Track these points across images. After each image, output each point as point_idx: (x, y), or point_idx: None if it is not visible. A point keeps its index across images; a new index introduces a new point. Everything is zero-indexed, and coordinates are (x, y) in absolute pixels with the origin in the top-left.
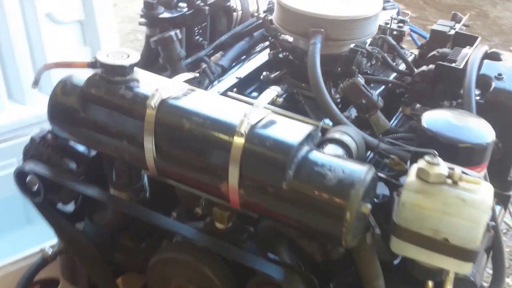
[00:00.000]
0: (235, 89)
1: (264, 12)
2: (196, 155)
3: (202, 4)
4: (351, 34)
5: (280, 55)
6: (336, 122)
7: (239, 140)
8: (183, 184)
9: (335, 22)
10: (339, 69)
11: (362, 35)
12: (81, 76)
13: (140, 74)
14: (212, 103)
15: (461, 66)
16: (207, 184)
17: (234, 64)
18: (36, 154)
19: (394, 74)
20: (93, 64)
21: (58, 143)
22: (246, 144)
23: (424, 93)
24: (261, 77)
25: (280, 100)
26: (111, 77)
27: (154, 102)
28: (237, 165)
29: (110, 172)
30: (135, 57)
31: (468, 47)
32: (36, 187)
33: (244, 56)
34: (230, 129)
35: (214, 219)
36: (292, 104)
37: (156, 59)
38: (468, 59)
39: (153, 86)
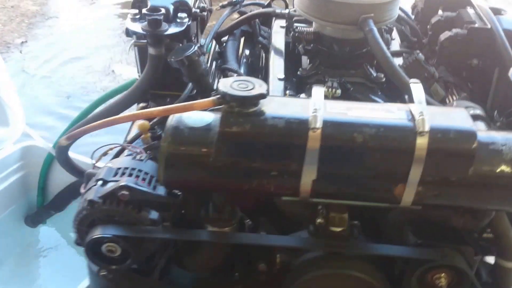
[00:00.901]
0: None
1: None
2: (369, 166)
3: (200, 11)
4: (386, 16)
5: (307, 47)
6: None
7: (422, 140)
8: (338, 200)
9: (374, 6)
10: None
11: (393, 15)
12: (196, 117)
13: (268, 100)
14: (371, 110)
15: (489, 26)
16: (377, 190)
17: None
18: (102, 217)
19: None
20: (222, 101)
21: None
22: (430, 142)
23: (454, 56)
24: (299, 73)
25: (339, 91)
26: (246, 109)
27: (317, 124)
28: (421, 164)
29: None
30: (260, 83)
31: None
32: (115, 254)
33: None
34: (409, 131)
35: (330, 224)
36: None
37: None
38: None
39: (299, 108)
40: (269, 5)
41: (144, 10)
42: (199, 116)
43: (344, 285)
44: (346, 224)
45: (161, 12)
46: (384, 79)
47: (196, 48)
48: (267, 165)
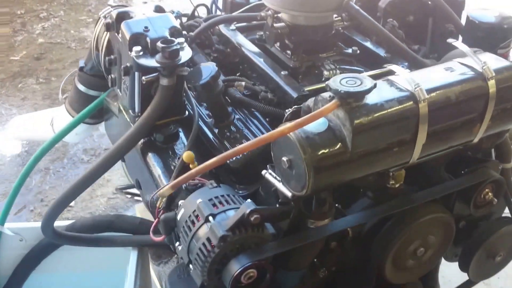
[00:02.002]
0: None
1: None
2: (460, 116)
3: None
4: None
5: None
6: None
7: (491, 82)
8: (432, 154)
9: None
10: None
11: None
12: (313, 125)
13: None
14: (441, 72)
15: None
16: (462, 135)
17: None
18: (232, 249)
19: None
20: (343, 100)
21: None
22: (497, 81)
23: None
24: (292, 65)
25: (338, 72)
26: (361, 102)
27: (424, 95)
28: (493, 102)
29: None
30: (361, 76)
31: None
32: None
33: None
34: (481, 79)
35: (387, 182)
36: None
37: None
38: None
39: (395, 87)
40: (193, 15)
41: (159, 44)
42: (314, 123)
43: (430, 229)
44: (402, 179)
45: (176, 42)
46: (358, 51)
47: (215, 68)
48: (392, 144)
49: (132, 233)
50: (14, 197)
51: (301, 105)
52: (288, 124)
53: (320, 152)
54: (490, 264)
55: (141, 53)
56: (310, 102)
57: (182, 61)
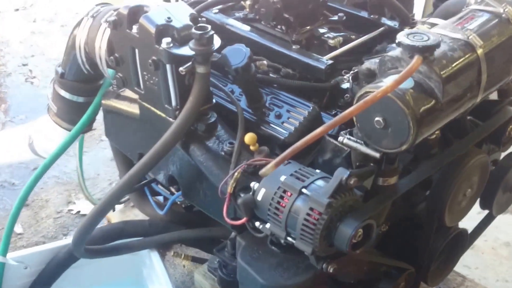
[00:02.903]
0: None
1: None
2: (504, 57)
3: None
4: None
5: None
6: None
7: None
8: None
9: None
10: None
11: None
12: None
13: None
14: (473, 20)
15: None
16: (505, 75)
17: None
18: (337, 214)
19: None
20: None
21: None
22: None
23: None
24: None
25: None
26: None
27: (479, 41)
28: None
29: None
30: (425, 31)
31: None
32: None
33: None
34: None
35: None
36: None
37: None
38: None
39: (452, 40)
40: None
41: (193, 30)
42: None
43: (475, 171)
44: None
45: (210, 28)
46: (344, 17)
47: (247, 49)
48: (467, 88)
49: (144, 236)
50: (12, 225)
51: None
52: (388, 83)
53: (419, 105)
54: (507, 197)
55: (171, 44)
56: (370, 64)
57: (215, 47)
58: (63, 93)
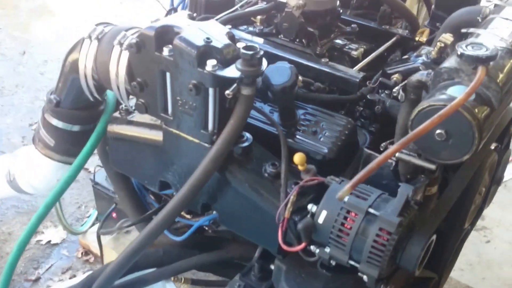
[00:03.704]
0: None
1: None
2: None
3: None
4: None
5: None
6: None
7: None
8: None
9: None
10: None
11: None
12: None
13: None
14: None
15: None
16: None
17: None
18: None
19: None
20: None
21: None
22: None
23: None
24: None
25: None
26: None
27: None
28: None
29: None
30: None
31: None
32: None
33: None
34: None
35: None
36: None
37: None
38: None
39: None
40: None
41: (242, 50)
42: (457, 91)
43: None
44: None
45: (259, 49)
46: (357, 29)
47: (292, 66)
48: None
49: (158, 266)
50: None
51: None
52: (460, 96)
53: (481, 115)
54: (493, 189)
55: (216, 67)
56: (420, 76)
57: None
58: (55, 122)
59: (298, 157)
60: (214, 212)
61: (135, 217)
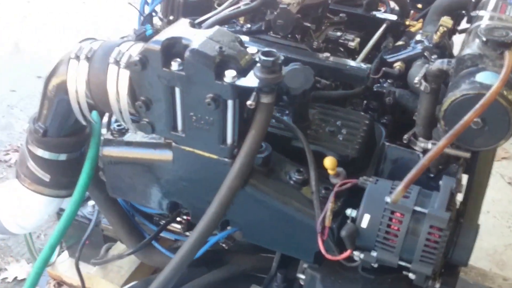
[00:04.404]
0: None
1: None
2: None
3: None
4: None
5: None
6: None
7: None
8: None
9: None
10: None
11: None
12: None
13: None
14: None
15: None
16: None
17: None
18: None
19: None
20: None
21: None
22: None
23: None
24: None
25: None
26: None
27: None
28: None
29: None
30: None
31: None
32: None
33: None
34: None
35: None
36: None
37: None
38: None
39: None
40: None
41: (261, 56)
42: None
43: None
44: None
45: (278, 55)
46: (346, 18)
47: (309, 68)
48: None
49: None
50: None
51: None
52: (497, 84)
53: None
54: None
55: (235, 77)
56: (441, 65)
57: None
58: (41, 153)
59: (329, 162)
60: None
61: (132, 244)
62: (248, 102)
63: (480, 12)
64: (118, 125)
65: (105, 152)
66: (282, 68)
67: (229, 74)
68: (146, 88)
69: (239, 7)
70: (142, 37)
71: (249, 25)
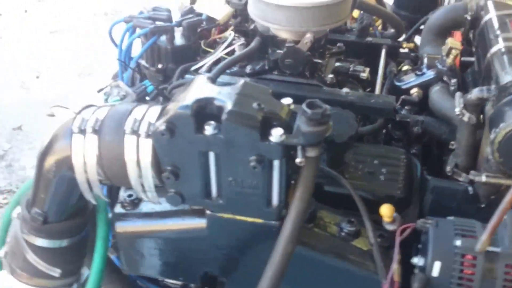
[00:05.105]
0: None
1: None
2: None
3: None
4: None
5: None
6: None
7: None
8: None
9: None
10: None
11: None
12: None
13: None
14: None
15: None
16: None
17: None
18: None
19: None
20: None
21: None
22: None
23: None
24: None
25: None
26: None
27: None
28: None
29: None
30: None
31: None
32: None
33: None
34: None
35: None
36: None
37: None
38: None
39: None
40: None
41: (306, 109)
42: None
43: None
44: None
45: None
46: (344, 47)
47: (352, 114)
48: None
49: None
50: None
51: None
52: None
53: None
54: None
55: (284, 135)
56: (480, 93)
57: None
58: (40, 242)
59: (387, 209)
60: None
61: None
62: (298, 160)
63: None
64: (129, 196)
65: (119, 229)
66: (329, 119)
67: (276, 133)
68: (173, 157)
69: (234, 50)
70: (143, 95)
71: (253, 67)
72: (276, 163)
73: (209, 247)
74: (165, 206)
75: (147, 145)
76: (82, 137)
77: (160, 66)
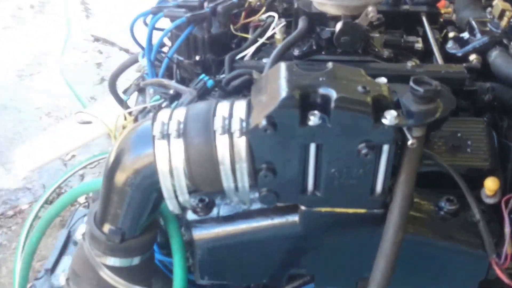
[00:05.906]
0: None
1: None
2: None
3: None
4: None
5: None
6: None
7: None
8: None
9: None
10: None
11: None
12: None
13: None
14: None
15: None
16: None
17: None
18: None
19: None
20: None
21: None
22: None
23: None
24: None
25: None
26: None
27: None
28: None
29: None
30: None
31: None
32: None
33: None
34: None
35: None
36: None
37: None
38: None
39: None
40: None
41: (414, 86)
42: None
43: None
44: None
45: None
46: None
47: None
48: None
49: None
50: None
51: None
52: None
53: None
54: None
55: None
56: None
57: None
58: (112, 261)
59: (491, 182)
60: None
61: None
62: (410, 142)
63: None
64: (201, 201)
65: (197, 237)
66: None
67: (390, 115)
68: (271, 153)
69: (275, 32)
70: (204, 90)
71: (303, 49)
72: (385, 148)
73: (302, 246)
74: (241, 206)
75: (241, 143)
76: (166, 142)
77: (197, 58)
